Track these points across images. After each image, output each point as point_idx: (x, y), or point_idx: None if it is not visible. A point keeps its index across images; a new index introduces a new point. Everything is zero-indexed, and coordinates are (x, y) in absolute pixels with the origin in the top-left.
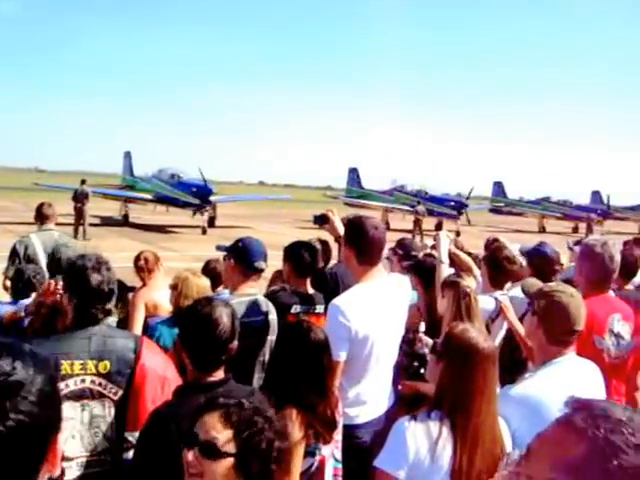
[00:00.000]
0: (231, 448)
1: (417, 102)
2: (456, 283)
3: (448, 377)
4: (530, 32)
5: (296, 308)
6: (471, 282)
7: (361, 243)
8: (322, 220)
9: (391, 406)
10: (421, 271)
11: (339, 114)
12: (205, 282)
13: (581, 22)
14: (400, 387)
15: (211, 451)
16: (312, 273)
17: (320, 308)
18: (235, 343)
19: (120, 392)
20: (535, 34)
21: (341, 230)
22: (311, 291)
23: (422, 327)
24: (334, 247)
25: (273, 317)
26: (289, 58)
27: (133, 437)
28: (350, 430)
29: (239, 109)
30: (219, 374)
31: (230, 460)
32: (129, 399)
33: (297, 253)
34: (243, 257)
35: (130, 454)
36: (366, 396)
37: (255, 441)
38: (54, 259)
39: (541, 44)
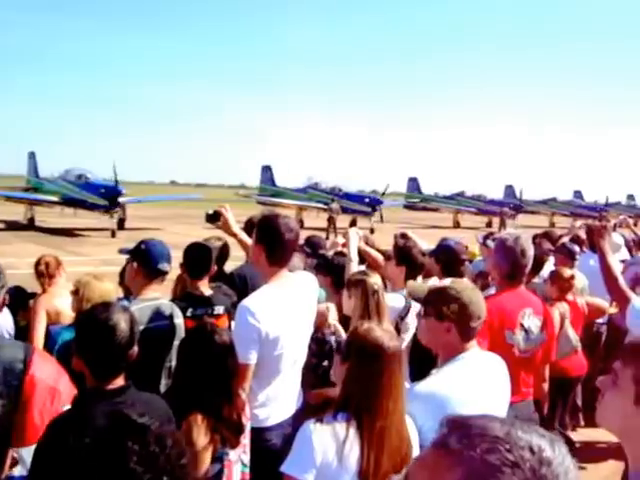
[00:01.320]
0: None
1: (335, 98)
2: (362, 281)
3: (353, 378)
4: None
5: (191, 311)
6: (377, 279)
7: (274, 243)
8: (214, 218)
9: (299, 408)
10: (330, 269)
11: (254, 111)
12: (108, 286)
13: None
14: (307, 398)
15: None
16: (206, 273)
17: (219, 309)
18: (135, 349)
19: (7, 405)
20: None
21: (235, 227)
22: (208, 292)
23: (333, 315)
24: (234, 246)
25: (179, 321)
26: (203, 55)
27: (18, 453)
28: (260, 433)
29: (149, 107)
30: (119, 381)
31: None
32: (16, 412)
33: (188, 254)
34: (146, 260)
35: (15, 471)
36: (276, 398)
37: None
38: None
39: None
